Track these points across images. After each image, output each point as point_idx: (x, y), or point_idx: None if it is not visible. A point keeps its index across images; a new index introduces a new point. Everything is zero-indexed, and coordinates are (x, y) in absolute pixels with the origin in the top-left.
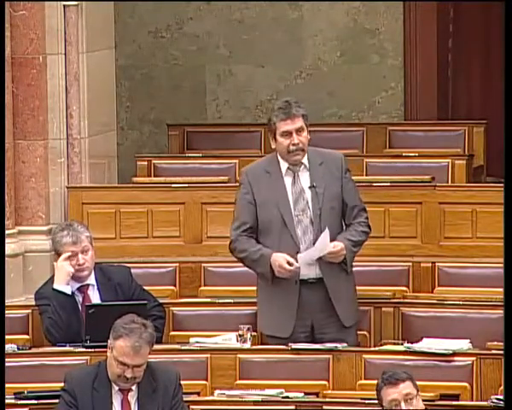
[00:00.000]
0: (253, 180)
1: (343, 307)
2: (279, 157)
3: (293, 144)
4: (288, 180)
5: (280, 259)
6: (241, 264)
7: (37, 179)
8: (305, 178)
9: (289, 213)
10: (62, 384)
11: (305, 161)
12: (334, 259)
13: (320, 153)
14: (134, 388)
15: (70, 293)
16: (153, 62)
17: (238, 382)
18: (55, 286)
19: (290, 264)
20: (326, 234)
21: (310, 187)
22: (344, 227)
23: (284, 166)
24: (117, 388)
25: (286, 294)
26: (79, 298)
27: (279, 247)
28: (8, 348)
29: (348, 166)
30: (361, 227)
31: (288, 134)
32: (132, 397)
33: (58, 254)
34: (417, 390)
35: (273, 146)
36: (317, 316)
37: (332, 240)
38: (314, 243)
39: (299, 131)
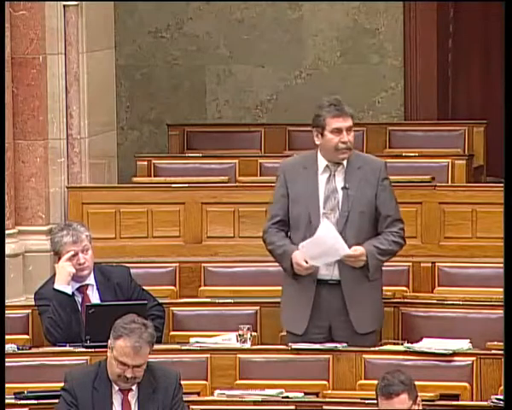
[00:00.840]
0: (289, 174)
1: (358, 313)
2: (319, 154)
3: (343, 142)
4: (323, 178)
5: (298, 256)
6: (240, 264)
7: (37, 179)
8: (340, 179)
9: (317, 210)
10: (62, 384)
11: (344, 161)
12: (353, 263)
13: (361, 157)
14: (134, 388)
15: (71, 293)
16: (153, 62)
17: (238, 382)
18: (56, 286)
19: (307, 262)
20: (326, 227)
21: (342, 188)
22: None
23: (322, 163)
24: (117, 388)
25: (303, 292)
26: (79, 298)
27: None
28: (8, 348)
29: (387, 175)
30: (392, 237)
31: (338, 131)
32: (132, 397)
33: (57, 255)
34: (416, 397)
35: (317, 142)
36: (334, 318)
37: (358, 245)
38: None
39: (349, 129)
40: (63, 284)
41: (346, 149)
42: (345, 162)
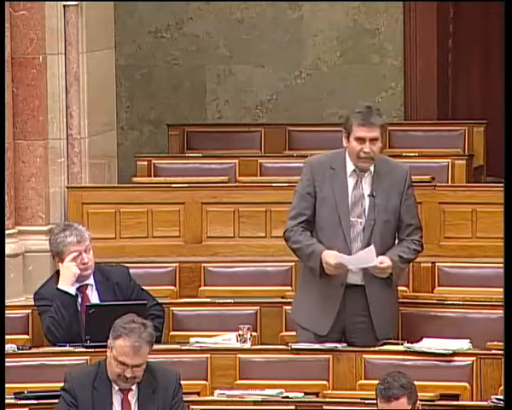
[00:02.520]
0: (317, 173)
1: (380, 319)
2: (347, 156)
3: (365, 152)
4: (351, 182)
5: (329, 256)
6: (240, 264)
7: (37, 179)
8: (367, 185)
9: (346, 214)
10: (62, 384)
11: (371, 167)
12: (380, 274)
13: (387, 163)
14: (134, 388)
15: (74, 294)
16: (153, 62)
17: (238, 382)
18: (60, 286)
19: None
20: (371, 251)
21: (369, 195)
22: (396, 241)
23: (350, 166)
24: (117, 387)
25: (330, 294)
26: (78, 298)
27: (330, 244)
28: (8, 348)
29: (411, 183)
30: (414, 245)
31: (361, 140)
32: (132, 397)
33: (59, 255)
34: (416, 401)
35: (344, 144)
36: (352, 319)
37: (382, 253)
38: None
39: (373, 140)
40: (67, 285)
41: (368, 159)
42: (372, 168)
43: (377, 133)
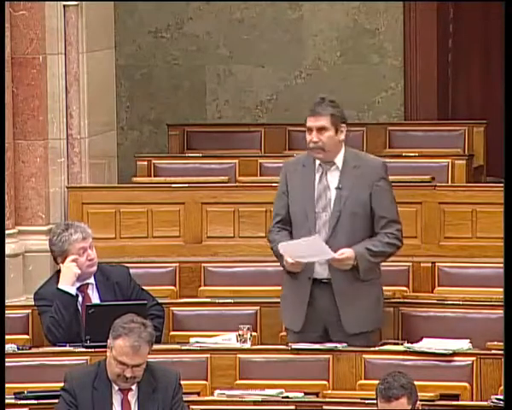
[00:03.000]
0: (289, 172)
1: (349, 313)
2: None
3: (312, 142)
4: (317, 176)
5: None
6: (240, 264)
7: (37, 179)
8: (334, 178)
9: (312, 208)
10: (62, 384)
11: (338, 161)
12: (340, 266)
13: (358, 156)
14: (134, 387)
15: (75, 294)
16: (153, 62)
17: (238, 382)
18: (60, 286)
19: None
20: (317, 239)
21: (336, 188)
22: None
23: (317, 161)
24: (117, 387)
25: (299, 289)
26: (79, 298)
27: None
28: (8, 348)
29: (385, 176)
30: (387, 238)
31: (310, 130)
32: (132, 397)
33: (64, 254)
34: (416, 401)
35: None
36: (327, 318)
37: (350, 246)
38: (327, 243)
39: (320, 129)
40: (68, 285)
41: (317, 149)
42: (340, 161)
43: (324, 122)
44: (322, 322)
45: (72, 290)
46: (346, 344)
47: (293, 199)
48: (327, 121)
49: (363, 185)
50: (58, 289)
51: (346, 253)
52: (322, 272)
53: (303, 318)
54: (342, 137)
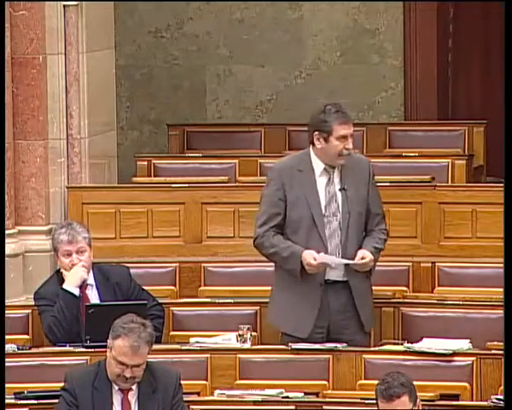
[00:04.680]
0: (286, 178)
1: (366, 311)
2: (313, 156)
3: (347, 149)
4: (322, 181)
5: (309, 256)
6: (240, 264)
7: (37, 179)
8: (336, 181)
9: (320, 213)
10: (62, 384)
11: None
12: (362, 268)
13: (350, 156)
14: (134, 387)
15: (78, 295)
16: (153, 62)
17: (238, 382)
18: (65, 287)
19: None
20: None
21: (340, 189)
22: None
23: (319, 166)
24: (117, 387)
25: (309, 295)
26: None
27: (306, 245)
28: (8, 348)
29: (374, 173)
30: (383, 235)
31: (344, 138)
32: (132, 397)
33: (55, 252)
34: (416, 399)
35: (318, 146)
36: (336, 317)
37: (358, 246)
38: (341, 246)
39: (351, 136)
40: (73, 286)
41: (348, 155)
42: None
43: (352, 130)
44: (327, 322)
45: (76, 292)
46: (345, 344)
47: (294, 206)
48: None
49: (362, 184)
50: (62, 289)
51: (368, 256)
52: (336, 274)
53: (312, 323)
54: None
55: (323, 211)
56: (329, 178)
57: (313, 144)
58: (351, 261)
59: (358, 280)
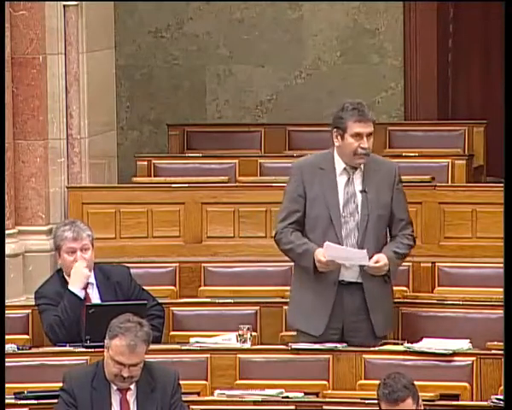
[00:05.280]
0: (307, 175)
1: (378, 315)
2: (336, 155)
3: (362, 148)
4: (341, 180)
5: (320, 253)
6: (240, 264)
7: (37, 179)
8: (358, 182)
9: (337, 212)
10: (61, 384)
11: (360, 165)
12: (377, 273)
13: (376, 160)
14: (133, 387)
15: (83, 298)
16: (153, 62)
17: (238, 382)
18: (71, 288)
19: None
20: (363, 253)
21: (361, 191)
22: (389, 238)
23: (340, 165)
24: (115, 387)
25: (323, 293)
26: None
27: (322, 244)
28: (8, 348)
29: (400, 179)
30: (407, 240)
31: (359, 136)
32: (131, 396)
33: (58, 249)
34: (418, 399)
35: (336, 143)
36: (349, 318)
37: (377, 250)
38: (358, 247)
39: (369, 135)
40: (78, 288)
41: (365, 155)
42: (362, 165)
43: (372, 128)
44: (342, 323)
45: (82, 294)
46: (346, 344)
47: (314, 203)
48: (372, 127)
49: (385, 188)
50: (68, 290)
51: (383, 259)
52: (351, 275)
53: (325, 322)
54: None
55: (341, 211)
56: (349, 179)
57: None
58: (359, 263)
59: (374, 283)
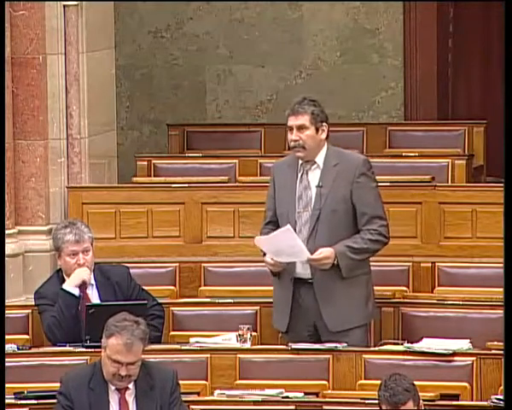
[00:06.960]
0: (276, 174)
1: (331, 311)
2: None
3: (292, 140)
4: (299, 176)
5: (267, 256)
6: (240, 264)
7: (37, 179)
8: (315, 177)
9: (292, 208)
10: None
11: (319, 160)
12: (319, 266)
13: (339, 154)
14: (131, 386)
15: (78, 295)
16: (153, 62)
17: (238, 382)
18: (65, 287)
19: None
20: (301, 249)
21: (316, 186)
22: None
23: (300, 161)
24: (113, 387)
25: (282, 290)
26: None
27: None
28: (8, 348)
29: (367, 172)
30: (369, 235)
31: (291, 129)
32: (130, 396)
33: (58, 251)
34: (419, 400)
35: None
36: (314, 317)
37: (331, 244)
38: (308, 241)
39: (300, 128)
40: (72, 286)
41: (298, 148)
42: (321, 160)
43: (304, 121)
44: (311, 320)
45: (76, 292)
46: (345, 344)
47: (279, 200)
48: (306, 120)
49: (344, 182)
50: (62, 289)
51: (324, 252)
52: (304, 272)
53: (287, 318)
54: (323, 136)
55: (296, 206)
56: (302, 174)
57: None
58: (299, 258)
59: (325, 279)
